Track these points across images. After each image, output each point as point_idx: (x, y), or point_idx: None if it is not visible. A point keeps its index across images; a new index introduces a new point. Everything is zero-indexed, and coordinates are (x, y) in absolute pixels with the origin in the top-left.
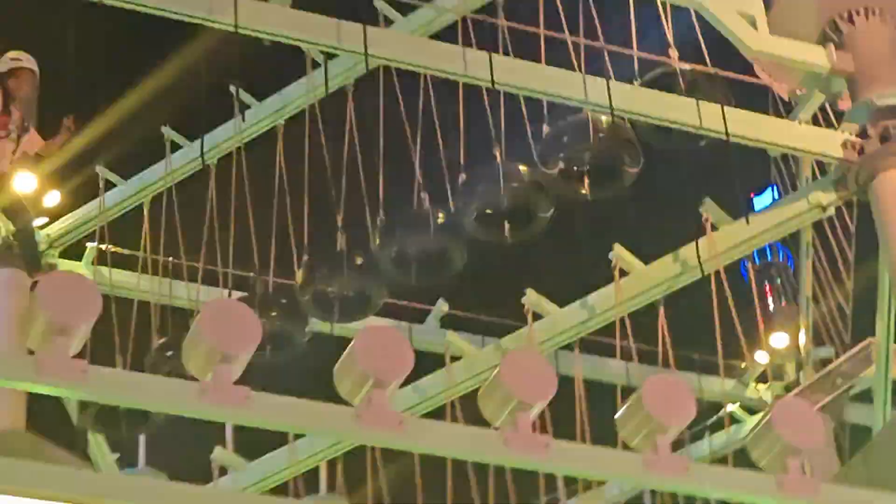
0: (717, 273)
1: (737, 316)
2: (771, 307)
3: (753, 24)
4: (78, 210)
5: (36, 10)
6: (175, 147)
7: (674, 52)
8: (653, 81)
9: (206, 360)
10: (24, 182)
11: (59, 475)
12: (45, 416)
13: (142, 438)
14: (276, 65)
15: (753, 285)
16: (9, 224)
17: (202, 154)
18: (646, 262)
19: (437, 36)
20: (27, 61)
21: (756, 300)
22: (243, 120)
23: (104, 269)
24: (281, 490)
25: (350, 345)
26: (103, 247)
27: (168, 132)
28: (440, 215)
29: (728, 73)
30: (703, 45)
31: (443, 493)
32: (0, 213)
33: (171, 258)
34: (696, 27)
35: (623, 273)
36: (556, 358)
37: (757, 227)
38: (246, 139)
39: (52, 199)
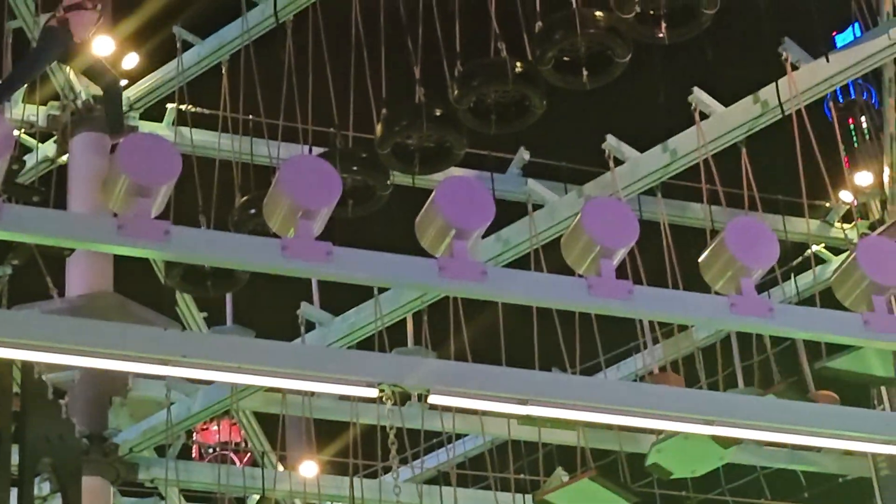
0: (799, 112)
1: (820, 155)
2: (855, 145)
3: None
4: (156, 71)
5: None
6: (251, 5)
7: None
8: None
9: (288, 217)
10: (102, 45)
11: (147, 335)
12: (133, 276)
13: (229, 297)
14: None
15: (836, 124)
16: (90, 87)
17: (275, 11)
18: (726, 104)
19: None
20: None
21: (839, 139)
22: None
23: (185, 130)
24: (368, 344)
25: (431, 196)
26: (183, 107)
27: None
28: (518, 63)
29: None
30: None
31: (529, 344)
32: (83, 76)
33: (250, 116)
34: None
35: (703, 116)
36: (638, 203)
37: (838, 65)
38: None
39: (131, 61)
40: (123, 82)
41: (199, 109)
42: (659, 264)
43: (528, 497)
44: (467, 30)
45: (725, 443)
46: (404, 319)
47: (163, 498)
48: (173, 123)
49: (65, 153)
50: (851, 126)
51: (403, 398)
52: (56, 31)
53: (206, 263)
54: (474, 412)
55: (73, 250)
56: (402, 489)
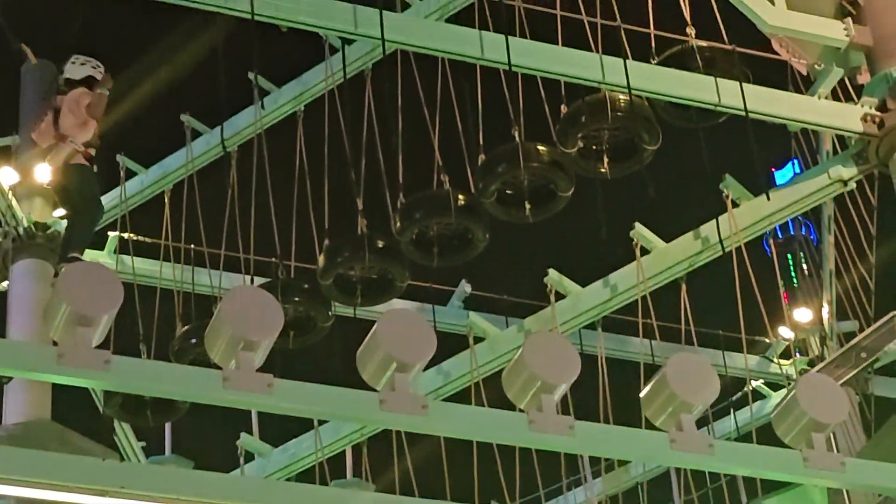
0: (739, 249)
1: (759, 291)
2: (794, 281)
3: None
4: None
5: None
6: (195, 134)
7: (691, 30)
8: (670, 59)
9: (229, 348)
10: (43, 172)
11: (84, 465)
12: (70, 405)
13: (167, 426)
14: (295, 50)
15: (775, 260)
16: (31, 214)
17: (223, 141)
18: (667, 240)
19: (453, 18)
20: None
21: (778, 275)
22: (263, 107)
23: (126, 258)
24: (307, 475)
25: (373, 328)
26: (125, 235)
27: (188, 120)
28: (460, 196)
29: (745, 49)
30: (719, 21)
31: (469, 476)
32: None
33: (192, 245)
34: (713, 3)
35: (644, 251)
36: (579, 337)
37: (778, 203)
38: (266, 125)
39: None
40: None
41: (140, 238)
42: (597, 399)
43: None
44: (410, 161)
45: None
46: (344, 450)
47: None
48: (115, 251)
49: (5, 280)
50: (790, 261)
51: None
52: (90, 169)
53: (146, 394)
54: None
55: (11, 378)
56: None
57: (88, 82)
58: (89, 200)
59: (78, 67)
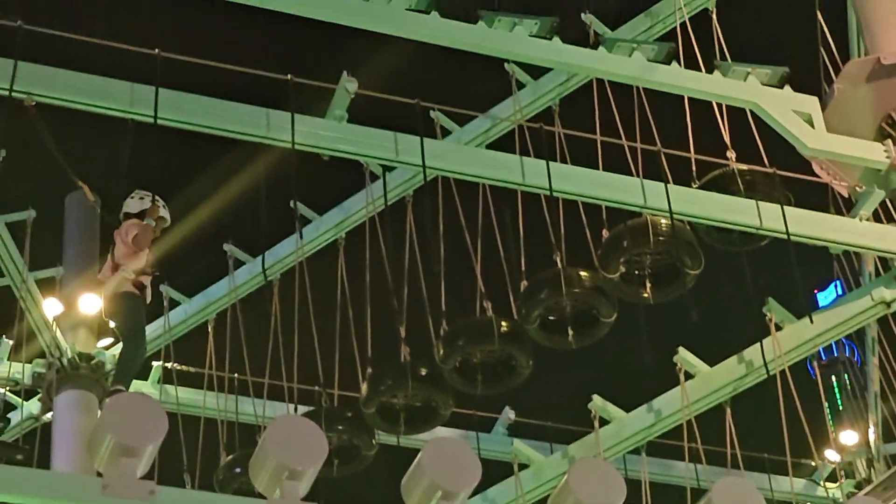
0: (783, 372)
1: (804, 414)
2: (839, 403)
3: (810, 122)
4: None
5: (95, 132)
6: (238, 264)
7: (731, 153)
8: (711, 183)
9: (274, 477)
10: (89, 304)
11: None
12: None
13: None
14: (335, 178)
15: (820, 382)
16: (75, 346)
17: (264, 270)
18: (710, 364)
19: (493, 144)
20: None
21: (823, 397)
22: (301, 237)
23: (170, 388)
24: None
25: (417, 457)
26: (169, 365)
27: (231, 249)
28: (503, 323)
29: (786, 171)
30: (759, 145)
31: None
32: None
33: (236, 374)
34: (753, 127)
35: (688, 376)
36: (623, 461)
37: (821, 326)
38: (308, 253)
39: None
40: (109, 340)
41: (184, 367)
42: None
43: None
44: (452, 287)
45: None
46: None
47: None
48: (159, 381)
49: (49, 410)
50: (835, 383)
51: None
52: (138, 299)
53: None
54: None
55: None
56: None
57: (141, 215)
58: (134, 332)
59: (136, 202)
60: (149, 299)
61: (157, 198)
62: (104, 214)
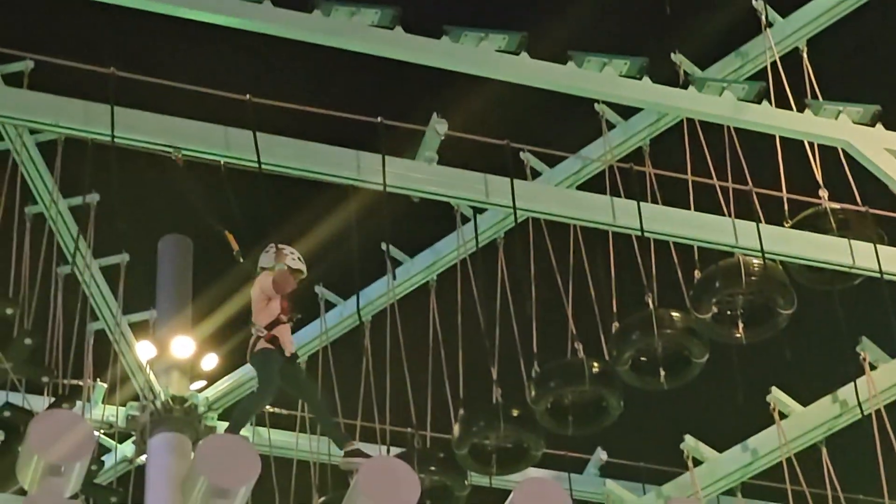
0: (878, 412)
1: None
2: None
3: None
4: (235, 371)
5: (190, 180)
6: (329, 306)
7: (823, 192)
8: (803, 222)
9: None
10: (183, 346)
11: None
12: None
13: None
14: (426, 220)
15: None
16: (169, 388)
17: (359, 310)
18: (804, 404)
19: (584, 185)
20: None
21: None
22: (394, 277)
23: (263, 430)
24: None
25: (509, 497)
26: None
27: (322, 291)
28: (595, 364)
29: (879, 210)
30: (852, 183)
31: None
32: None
33: None
34: (845, 165)
35: (783, 416)
36: (717, 503)
37: None
38: (399, 295)
39: (210, 361)
40: (202, 383)
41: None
42: None
43: None
44: (543, 329)
45: None
46: None
47: None
48: (253, 424)
49: (143, 454)
50: None
51: None
52: (270, 352)
53: None
54: None
55: None
56: None
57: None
58: (262, 387)
59: (269, 256)
60: (289, 349)
61: (281, 246)
62: (241, 261)
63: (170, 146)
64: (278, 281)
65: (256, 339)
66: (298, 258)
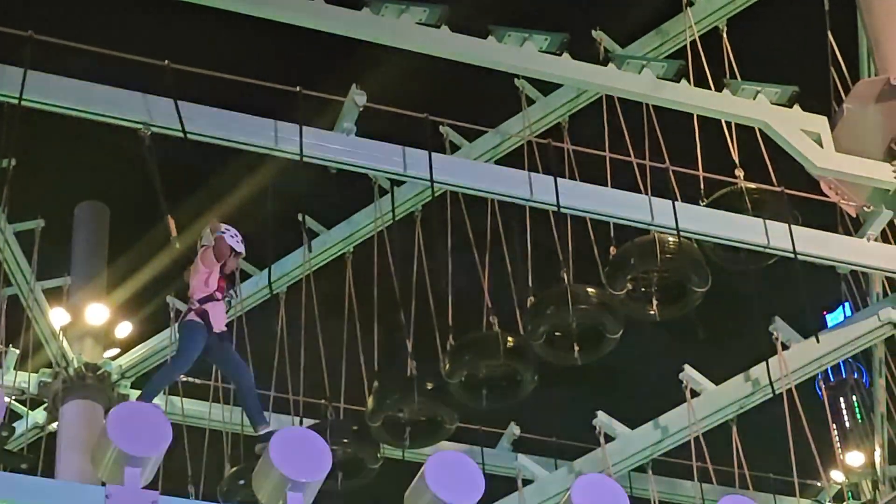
0: (790, 392)
1: (811, 434)
2: (846, 424)
3: (819, 141)
4: (149, 340)
5: (106, 147)
6: (244, 276)
7: (739, 172)
8: (719, 201)
9: (277, 489)
10: (96, 314)
11: None
12: None
13: None
14: (344, 192)
15: (826, 403)
16: (81, 355)
17: (270, 283)
18: (716, 382)
19: (502, 160)
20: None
21: (830, 418)
22: (310, 249)
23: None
24: None
25: (421, 470)
26: None
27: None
28: (509, 339)
29: (794, 190)
30: (768, 163)
31: None
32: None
33: None
34: (762, 145)
35: (694, 394)
36: (629, 479)
37: (828, 346)
38: (315, 267)
39: (124, 329)
40: (116, 350)
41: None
42: None
43: None
44: (459, 302)
45: None
46: None
47: None
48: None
49: (55, 421)
50: (842, 405)
51: None
52: (196, 325)
53: None
54: None
55: None
56: None
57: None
58: (177, 358)
59: (210, 234)
60: (218, 326)
61: (226, 227)
62: (178, 247)
63: (84, 111)
64: (217, 250)
65: (188, 310)
66: (239, 240)
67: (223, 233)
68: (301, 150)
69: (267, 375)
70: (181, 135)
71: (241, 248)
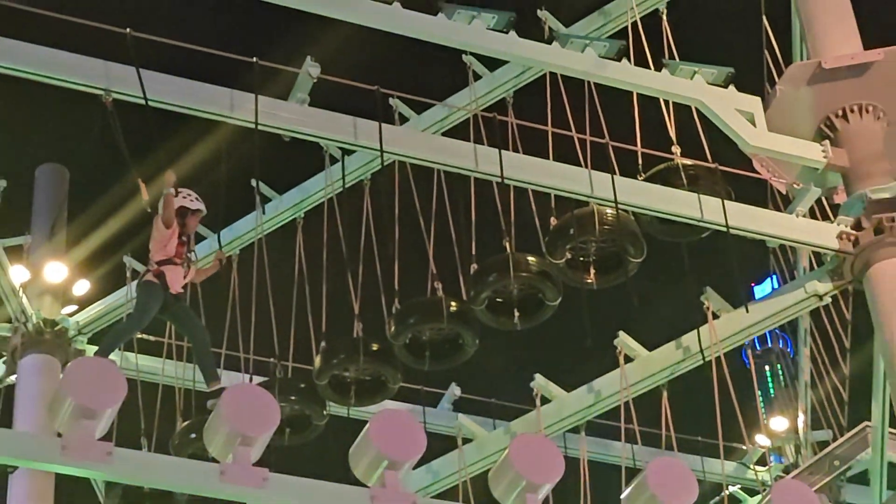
0: (718, 359)
1: (737, 400)
2: (771, 391)
3: (752, 121)
4: (106, 298)
5: (59, 108)
6: (199, 238)
7: (676, 149)
8: (655, 176)
9: (227, 443)
10: (55, 272)
11: None
12: (73, 496)
13: None
14: (296, 160)
15: (753, 370)
16: (41, 311)
17: (220, 245)
18: (650, 349)
19: (449, 132)
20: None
21: (756, 385)
22: (264, 212)
23: (130, 355)
24: None
25: (365, 428)
26: None
27: None
28: (453, 303)
29: (728, 167)
30: (703, 141)
31: None
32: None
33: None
34: (698, 124)
35: (628, 359)
36: (563, 440)
37: (756, 316)
38: (267, 231)
39: (82, 287)
40: (73, 307)
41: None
42: (579, 501)
43: None
44: (405, 268)
45: None
46: None
47: None
48: (120, 349)
49: (13, 374)
50: (768, 372)
51: None
52: (153, 285)
53: (146, 485)
54: None
55: (16, 468)
56: None
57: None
58: (134, 316)
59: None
60: (175, 288)
61: (180, 189)
62: (149, 211)
63: (47, 76)
64: (166, 209)
65: (146, 271)
66: (196, 198)
67: (174, 195)
68: (256, 117)
69: (219, 334)
70: (142, 101)
71: (196, 205)
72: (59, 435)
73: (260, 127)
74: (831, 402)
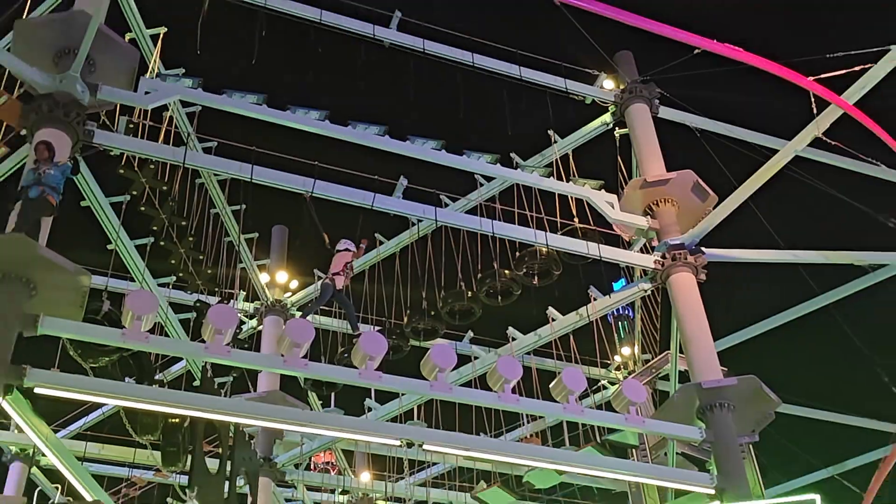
0: (597, 320)
1: (606, 339)
2: (622, 335)
3: (612, 206)
4: (306, 288)
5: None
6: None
7: (577, 219)
8: (566, 232)
9: (362, 359)
10: (281, 276)
11: (294, 413)
12: (289, 387)
13: (332, 398)
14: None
15: (613, 325)
16: (274, 295)
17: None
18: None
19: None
20: (354, 247)
21: (615, 332)
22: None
23: (317, 317)
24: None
25: (428, 351)
26: None
27: None
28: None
29: (602, 228)
30: (588, 214)
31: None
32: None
33: None
34: (586, 207)
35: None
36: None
37: (615, 299)
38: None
39: (293, 284)
40: (289, 294)
41: (324, 308)
42: None
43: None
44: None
45: (560, 472)
46: None
47: (296, 488)
48: (316, 313)
49: (261, 326)
50: (621, 326)
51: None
52: (328, 284)
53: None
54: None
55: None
56: (407, 487)
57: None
58: (318, 298)
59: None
60: (339, 286)
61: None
62: (330, 248)
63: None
64: (337, 259)
65: (326, 277)
66: (349, 247)
67: (343, 249)
68: None
69: (358, 306)
70: None
71: (352, 252)
72: (282, 355)
73: None
74: (652, 342)
